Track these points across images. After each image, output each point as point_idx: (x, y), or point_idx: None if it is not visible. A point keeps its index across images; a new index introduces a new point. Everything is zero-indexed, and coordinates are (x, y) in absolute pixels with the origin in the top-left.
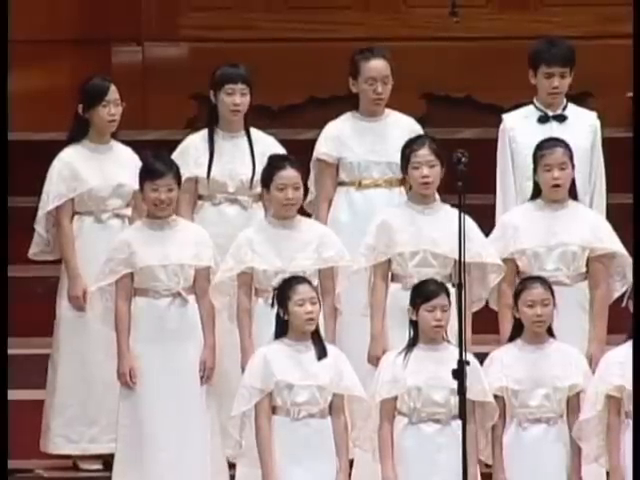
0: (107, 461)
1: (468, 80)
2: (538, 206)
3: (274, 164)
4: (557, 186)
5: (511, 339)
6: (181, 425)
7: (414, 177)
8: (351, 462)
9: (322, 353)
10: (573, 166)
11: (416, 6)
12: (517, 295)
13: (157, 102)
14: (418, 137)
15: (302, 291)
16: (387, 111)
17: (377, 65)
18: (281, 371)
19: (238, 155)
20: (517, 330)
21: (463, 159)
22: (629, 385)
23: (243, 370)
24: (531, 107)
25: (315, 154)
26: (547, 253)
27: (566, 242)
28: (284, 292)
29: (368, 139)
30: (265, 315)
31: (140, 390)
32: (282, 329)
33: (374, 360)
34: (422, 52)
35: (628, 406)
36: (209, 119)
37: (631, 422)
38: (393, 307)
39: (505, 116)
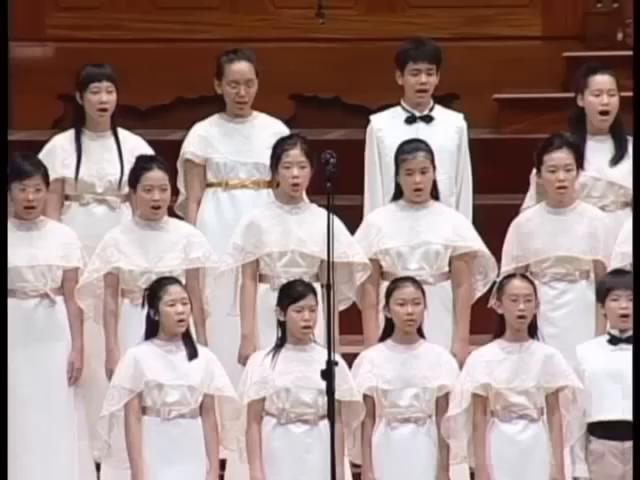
0: None
1: (336, 81)
2: (401, 206)
3: (141, 165)
4: (419, 190)
5: (382, 339)
6: (48, 426)
7: (284, 177)
8: (222, 462)
9: (193, 353)
10: (434, 168)
11: (284, 7)
12: (388, 294)
13: (23, 102)
14: (290, 137)
15: (173, 292)
16: (254, 113)
17: (240, 68)
18: (151, 371)
19: (106, 155)
20: (388, 330)
21: (331, 160)
22: (495, 383)
23: (107, 371)
24: (398, 108)
25: (182, 154)
26: (410, 252)
27: (429, 241)
28: (155, 292)
29: (235, 140)
30: (131, 316)
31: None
32: (152, 329)
33: (245, 360)
34: (290, 53)
35: (494, 405)
36: (75, 119)
37: (497, 421)
38: (261, 307)
39: (373, 117)
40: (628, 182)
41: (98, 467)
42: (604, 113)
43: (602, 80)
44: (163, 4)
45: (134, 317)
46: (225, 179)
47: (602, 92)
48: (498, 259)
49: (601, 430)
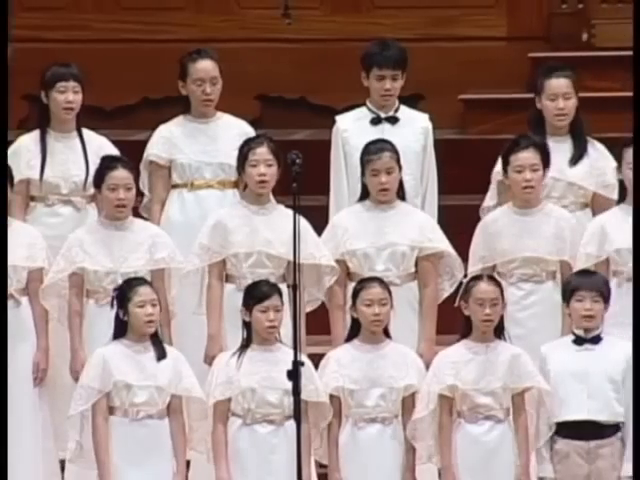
0: None
1: (302, 81)
2: (367, 207)
3: (106, 164)
4: (385, 190)
5: (348, 339)
6: (12, 427)
7: (251, 175)
8: (187, 463)
9: (161, 354)
10: (400, 168)
11: (249, 8)
12: (355, 295)
13: None
14: (257, 136)
15: (143, 293)
16: (218, 113)
17: (205, 66)
18: (119, 371)
19: (71, 156)
20: (354, 330)
21: (297, 160)
22: (461, 384)
23: (72, 372)
24: (364, 109)
25: (146, 156)
26: (377, 254)
27: (395, 242)
28: (124, 293)
29: (199, 140)
30: (96, 316)
31: None
32: (121, 330)
33: (211, 360)
34: (256, 53)
35: (460, 406)
36: (40, 120)
37: (463, 421)
38: (228, 308)
39: (338, 118)
40: (587, 183)
41: (63, 467)
42: (560, 116)
43: (557, 84)
44: (128, 4)
45: (99, 317)
46: (190, 180)
47: (557, 96)
48: (464, 259)
49: (566, 430)
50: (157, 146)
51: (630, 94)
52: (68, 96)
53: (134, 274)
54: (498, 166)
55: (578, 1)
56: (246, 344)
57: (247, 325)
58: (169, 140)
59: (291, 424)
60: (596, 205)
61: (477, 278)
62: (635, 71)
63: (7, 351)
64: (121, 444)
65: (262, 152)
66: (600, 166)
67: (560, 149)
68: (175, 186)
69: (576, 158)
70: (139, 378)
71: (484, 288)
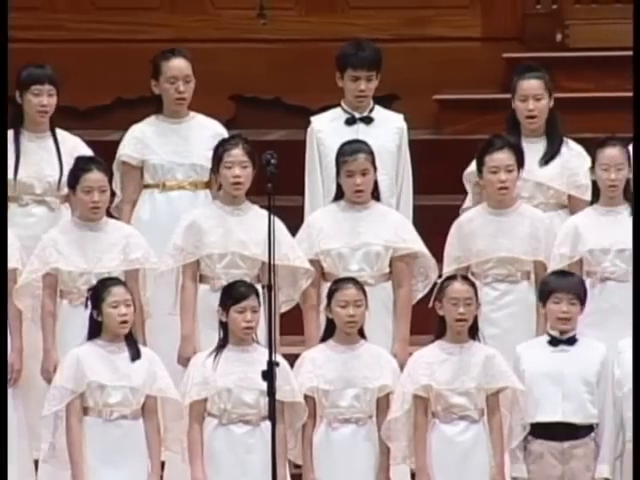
0: None
1: (276, 82)
2: (342, 207)
3: (80, 166)
4: (360, 191)
5: (323, 339)
6: None
7: (225, 177)
8: (162, 464)
9: (136, 355)
10: (375, 169)
11: (224, 8)
12: (330, 295)
13: None
14: (232, 137)
15: (117, 293)
16: (191, 113)
17: (178, 64)
18: (93, 372)
19: (45, 156)
20: (329, 330)
21: (272, 161)
22: (436, 385)
23: (44, 372)
24: (338, 109)
25: (118, 156)
26: (351, 254)
27: (369, 242)
28: (98, 293)
29: (172, 141)
30: (70, 317)
31: None
32: (95, 330)
33: (184, 361)
34: (230, 54)
35: (435, 406)
36: (14, 120)
37: (437, 422)
38: (202, 308)
39: (313, 118)
40: (557, 183)
41: (37, 467)
42: (531, 117)
43: (528, 85)
44: (102, 4)
45: (72, 318)
46: (162, 180)
47: (528, 97)
48: (439, 260)
49: (540, 430)
50: (129, 146)
51: (605, 94)
52: (42, 100)
53: (108, 274)
54: (470, 167)
55: (552, 2)
56: (222, 344)
57: (223, 325)
58: (141, 140)
59: (267, 424)
60: (572, 206)
61: (451, 278)
62: (635, 71)
63: (7, 351)
64: (95, 445)
65: (237, 154)
66: (572, 167)
67: (533, 149)
68: (147, 186)
69: (547, 158)
70: (113, 378)
71: (458, 288)
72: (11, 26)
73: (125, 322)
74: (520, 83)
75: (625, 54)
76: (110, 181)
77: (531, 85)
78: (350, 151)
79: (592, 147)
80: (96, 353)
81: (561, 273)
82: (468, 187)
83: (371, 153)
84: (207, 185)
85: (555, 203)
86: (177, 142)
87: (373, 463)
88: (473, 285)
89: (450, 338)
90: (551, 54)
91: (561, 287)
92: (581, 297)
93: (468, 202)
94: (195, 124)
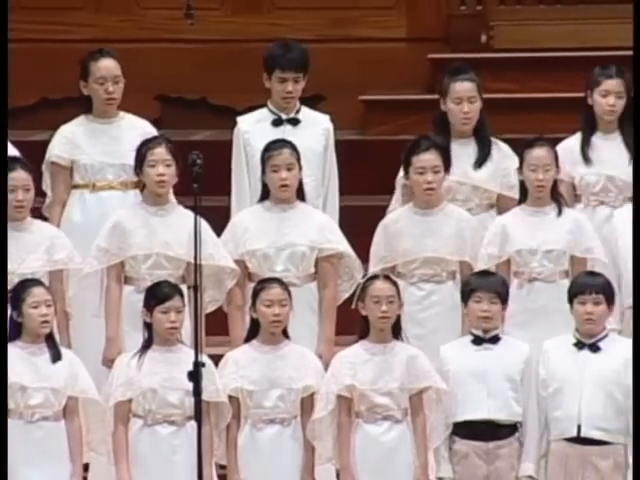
0: None
1: (202, 82)
2: (267, 207)
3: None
4: (285, 186)
5: (247, 340)
6: None
7: (149, 175)
8: (86, 466)
9: (57, 356)
10: (300, 168)
11: (149, 8)
12: (255, 295)
13: None
14: (155, 137)
15: (37, 294)
16: (121, 113)
17: (107, 65)
18: (14, 373)
19: None
20: (253, 331)
21: (198, 161)
22: (359, 385)
23: None
24: (265, 110)
25: (47, 157)
26: (276, 254)
27: (295, 243)
28: (18, 294)
29: (102, 141)
30: None
31: None
32: (16, 331)
33: (109, 363)
34: (156, 54)
35: (358, 406)
36: None
37: (361, 422)
38: (127, 309)
39: (239, 119)
40: (492, 185)
41: None
42: (465, 119)
43: (462, 88)
44: (26, 4)
45: None
46: (92, 181)
47: (462, 100)
48: (364, 260)
49: (465, 431)
50: (59, 147)
51: (530, 95)
52: None
53: (32, 275)
54: (402, 171)
55: (477, 3)
56: (147, 345)
57: (148, 326)
58: (71, 141)
59: (192, 425)
60: (501, 205)
61: (373, 278)
62: (635, 71)
63: (7, 350)
64: (17, 446)
65: (160, 152)
66: (504, 167)
67: (464, 152)
68: (76, 187)
69: (480, 161)
70: (34, 380)
71: (380, 286)
72: None
73: (46, 322)
74: (453, 85)
75: (550, 55)
76: (36, 181)
77: (465, 87)
78: (275, 147)
79: (518, 147)
80: (17, 354)
81: (482, 273)
82: (398, 190)
83: (296, 151)
84: (137, 185)
85: (487, 204)
86: (107, 142)
87: (298, 463)
88: (395, 284)
89: (373, 338)
90: (476, 55)
91: (481, 286)
92: (502, 296)
93: (394, 204)
94: (125, 124)
